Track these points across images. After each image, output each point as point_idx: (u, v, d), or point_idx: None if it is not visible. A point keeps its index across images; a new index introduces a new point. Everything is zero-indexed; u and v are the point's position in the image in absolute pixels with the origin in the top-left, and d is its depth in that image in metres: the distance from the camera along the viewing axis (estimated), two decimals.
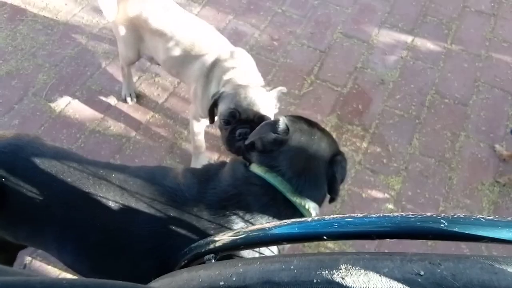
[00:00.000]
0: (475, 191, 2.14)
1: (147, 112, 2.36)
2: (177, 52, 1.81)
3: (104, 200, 1.08)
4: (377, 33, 2.77)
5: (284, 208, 1.09)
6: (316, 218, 0.67)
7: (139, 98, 2.41)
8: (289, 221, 0.69)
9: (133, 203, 1.07)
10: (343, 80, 2.53)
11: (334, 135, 2.29)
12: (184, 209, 1.07)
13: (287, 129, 1.15)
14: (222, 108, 1.54)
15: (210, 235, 1.02)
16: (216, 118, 1.66)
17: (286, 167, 1.10)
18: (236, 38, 2.69)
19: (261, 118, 1.48)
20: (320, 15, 2.84)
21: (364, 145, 2.28)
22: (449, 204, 2.09)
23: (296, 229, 0.67)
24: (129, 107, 2.37)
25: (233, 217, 1.06)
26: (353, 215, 0.65)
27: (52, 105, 2.36)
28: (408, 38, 2.74)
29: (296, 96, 2.44)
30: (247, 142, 1.20)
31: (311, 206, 1.11)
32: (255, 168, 1.13)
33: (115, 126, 2.31)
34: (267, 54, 2.63)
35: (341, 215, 0.66)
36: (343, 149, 2.24)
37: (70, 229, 1.10)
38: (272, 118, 1.54)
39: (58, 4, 2.83)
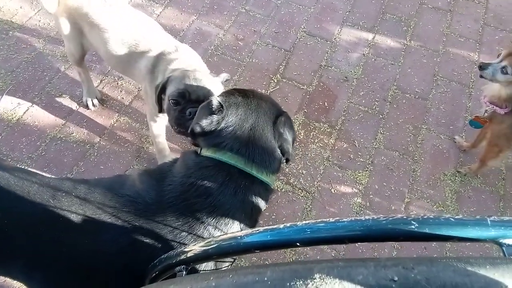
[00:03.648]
0: (438, 182, 2.22)
1: (111, 117, 2.29)
2: (120, 50, 1.75)
3: (67, 223, 1.03)
4: (340, 31, 2.81)
5: (242, 180, 1.10)
6: (288, 224, 0.66)
7: (102, 102, 2.33)
8: (261, 228, 0.68)
9: (97, 221, 1.03)
10: (309, 79, 2.56)
11: (302, 132, 2.32)
12: (147, 215, 1.05)
13: (221, 107, 1.15)
14: (170, 90, 1.52)
15: (178, 241, 1.01)
16: (165, 104, 1.61)
17: (231, 141, 1.12)
18: (200, 38, 2.66)
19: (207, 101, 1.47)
20: (284, 15, 2.86)
21: (332, 141, 2.32)
22: (414, 195, 2.16)
23: (269, 236, 0.66)
24: (92, 112, 2.29)
25: (197, 206, 1.05)
26: (325, 220, 0.65)
27: (10, 112, 2.25)
28: (369, 36, 2.80)
29: None
30: (189, 131, 1.20)
31: (267, 172, 1.13)
32: (205, 152, 1.14)
33: (78, 132, 2.22)
34: (232, 54, 2.62)
35: (313, 221, 0.66)
36: (311, 146, 2.27)
37: (35, 258, 1.04)
38: None
39: (13, 7, 2.69)
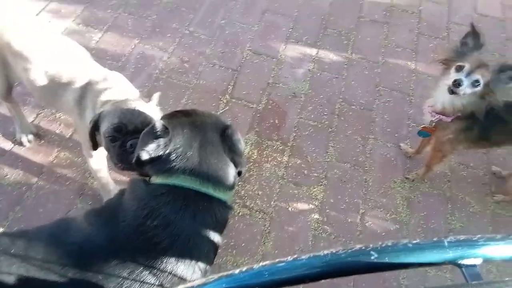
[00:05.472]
0: (389, 190, 2.27)
1: (49, 153, 2.14)
2: (44, 81, 1.63)
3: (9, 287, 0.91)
4: (284, 48, 2.85)
5: (200, 201, 1.06)
6: (244, 269, 0.62)
7: (39, 137, 2.17)
8: (215, 276, 0.63)
9: (43, 280, 0.92)
10: (257, 97, 2.55)
11: (255, 152, 2.29)
12: (101, 261, 0.96)
13: (166, 129, 1.11)
14: (104, 126, 1.41)
15: (140, 281, 0.93)
16: (102, 142, 1.51)
17: (183, 162, 1.07)
18: (144, 62, 2.58)
19: (149, 125, 1.38)
20: (228, 34, 2.85)
21: (285, 158, 2.31)
22: (367, 205, 2.19)
23: (224, 285, 0.61)
24: (28, 149, 2.13)
25: (157, 238, 0.99)
26: (282, 259, 0.62)
27: None
28: (313, 51, 2.86)
29: None
30: (134, 160, 1.13)
31: (224, 189, 1.11)
32: (156, 179, 1.08)
33: (13, 174, 2.05)
34: (178, 77, 2.56)
35: (270, 262, 0.62)
36: (265, 165, 2.25)
37: None
38: None
39: None
